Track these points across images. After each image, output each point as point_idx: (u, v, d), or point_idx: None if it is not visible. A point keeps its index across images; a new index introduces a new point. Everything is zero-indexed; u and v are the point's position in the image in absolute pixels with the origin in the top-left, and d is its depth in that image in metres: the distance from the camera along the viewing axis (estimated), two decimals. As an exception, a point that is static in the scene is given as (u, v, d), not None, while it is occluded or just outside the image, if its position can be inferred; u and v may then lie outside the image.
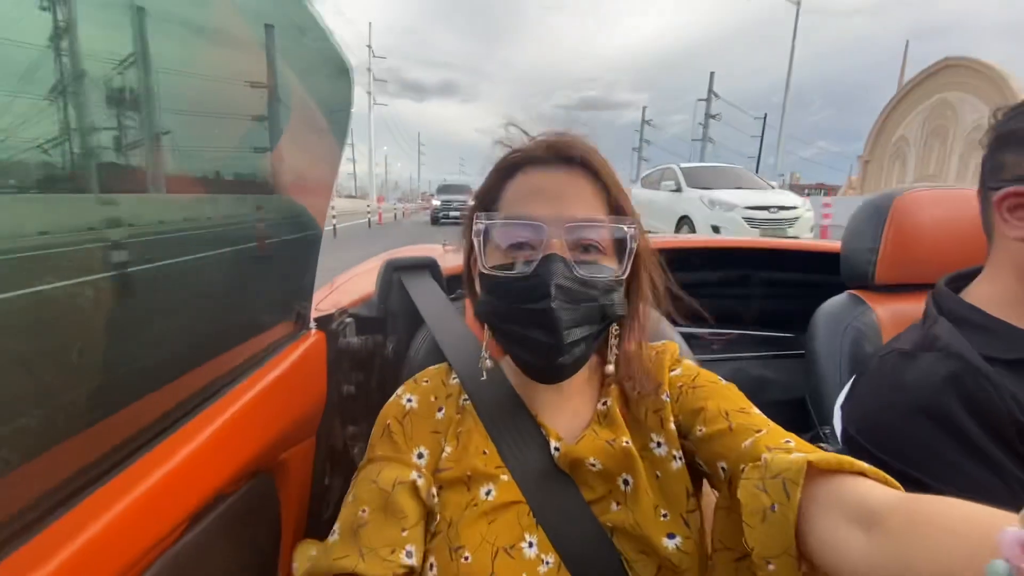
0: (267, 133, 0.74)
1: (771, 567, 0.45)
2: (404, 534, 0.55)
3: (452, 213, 18.31)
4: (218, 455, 0.60)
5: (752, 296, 1.51)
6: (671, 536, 0.56)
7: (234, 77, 0.68)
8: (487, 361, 0.65)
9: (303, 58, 0.74)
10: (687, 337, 0.86)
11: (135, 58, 0.53)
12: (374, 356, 1.01)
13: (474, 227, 0.61)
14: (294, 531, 0.82)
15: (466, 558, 0.54)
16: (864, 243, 0.99)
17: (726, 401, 0.59)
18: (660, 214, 8.01)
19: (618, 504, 0.58)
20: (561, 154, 0.61)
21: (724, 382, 0.63)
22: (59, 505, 0.45)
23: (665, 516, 0.57)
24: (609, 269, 0.59)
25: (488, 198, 0.65)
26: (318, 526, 0.91)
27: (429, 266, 1.03)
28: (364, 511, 0.56)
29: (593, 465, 0.59)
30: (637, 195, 8.37)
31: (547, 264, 0.56)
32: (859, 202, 1.04)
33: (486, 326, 0.64)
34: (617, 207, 0.61)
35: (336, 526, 0.57)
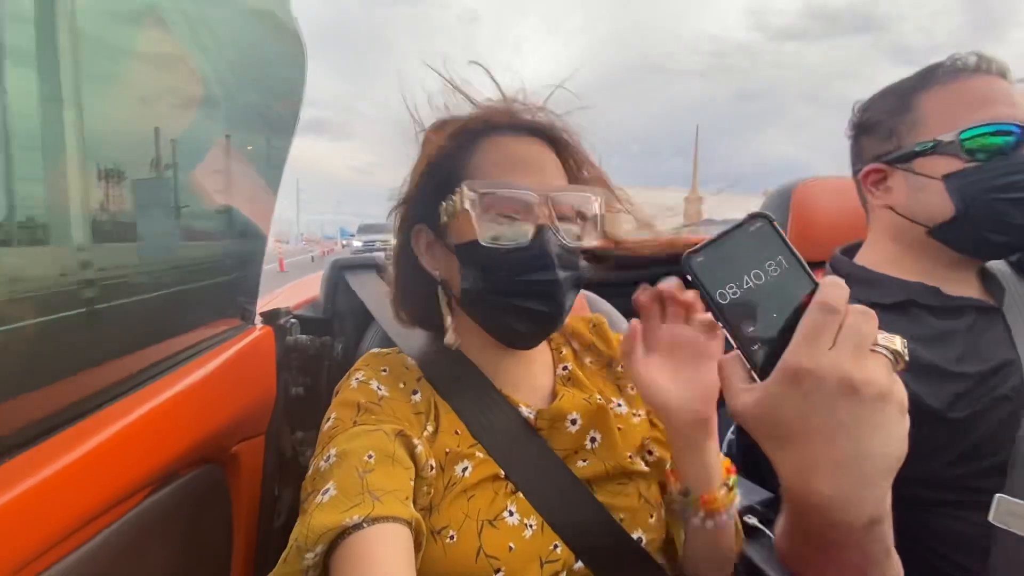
0: (214, 125, 0.75)
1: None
2: (412, 483, 0.50)
3: (377, 254, 17.51)
4: (162, 430, 0.58)
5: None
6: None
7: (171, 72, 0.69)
8: (451, 336, 0.62)
9: (252, 32, 0.73)
10: None
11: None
12: (322, 357, 1.00)
13: (465, 199, 0.55)
14: (246, 532, 0.78)
15: (451, 537, 0.52)
16: None
17: None
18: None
19: (585, 461, 0.60)
20: (525, 123, 0.60)
21: None
22: None
23: (631, 457, 0.61)
24: (578, 237, 0.60)
25: (450, 168, 0.59)
26: (268, 534, 0.87)
27: (376, 266, 1.04)
28: (371, 456, 0.49)
29: (574, 421, 0.60)
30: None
31: (544, 234, 0.55)
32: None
33: (451, 302, 0.62)
34: (577, 176, 0.63)
35: (329, 484, 0.47)
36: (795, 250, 0.37)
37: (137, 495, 0.56)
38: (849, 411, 0.33)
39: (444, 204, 0.58)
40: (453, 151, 0.60)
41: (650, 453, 0.63)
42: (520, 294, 0.56)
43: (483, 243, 0.56)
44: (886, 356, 0.34)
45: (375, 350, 0.68)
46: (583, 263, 0.60)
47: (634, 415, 0.65)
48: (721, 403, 0.49)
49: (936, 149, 0.71)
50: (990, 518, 0.63)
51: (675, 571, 0.61)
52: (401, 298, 0.67)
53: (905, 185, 0.75)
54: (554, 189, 0.57)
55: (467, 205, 0.56)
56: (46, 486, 0.44)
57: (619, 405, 0.64)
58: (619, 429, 0.62)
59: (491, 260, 0.56)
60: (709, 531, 0.56)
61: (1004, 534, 0.63)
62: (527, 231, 0.56)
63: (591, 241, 0.60)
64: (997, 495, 0.63)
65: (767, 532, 0.70)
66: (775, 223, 0.38)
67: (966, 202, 0.69)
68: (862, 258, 0.83)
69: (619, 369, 0.67)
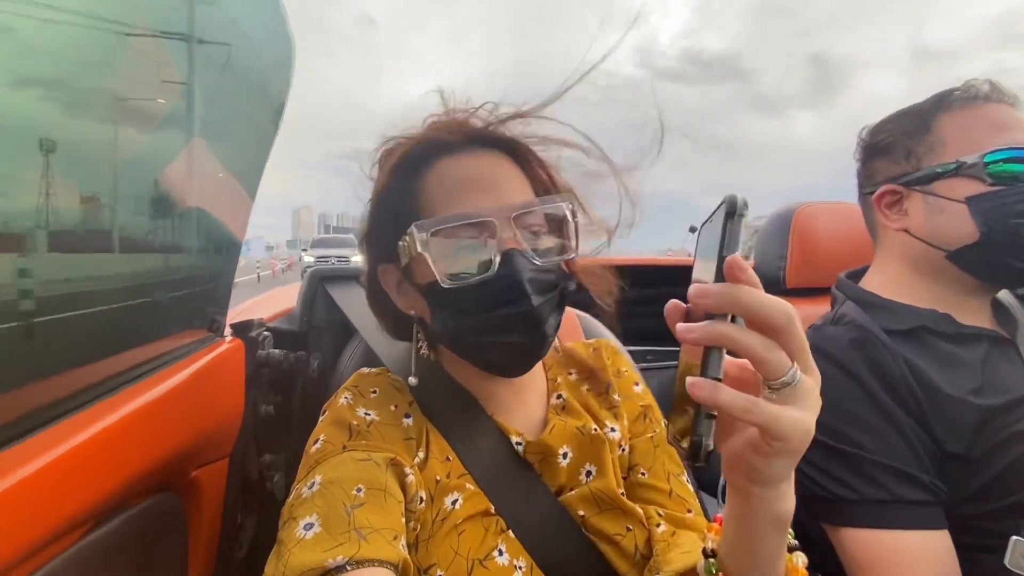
0: (184, 128, 0.70)
1: None
2: (402, 520, 0.46)
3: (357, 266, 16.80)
4: (112, 455, 0.52)
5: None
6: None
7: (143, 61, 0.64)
8: (412, 379, 0.57)
9: (237, 28, 0.68)
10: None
11: None
12: (296, 374, 0.93)
13: (416, 240, 0.51)
14: (202, 567, 0.71)
15: None
16: (774, 251, 1.09)
17: (671, 461, 0.60)
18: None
19: (573, 490, 0.56)
20: (478, 137, 0.55)
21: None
22: None
23: (623, 493, 0.56)
24: (555, 251, 0.55)
25: (399, 204, 0.55)
26: (229, 568, 0.79)
27: (359, 277, 0.98)
28: (359, 489, 0.45)
29: (565, 455, 0.56)
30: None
31: (511, 261, 0.50)
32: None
33: (423, 341, 0.60)
34: (543, 184, 0.57)
35: (312, 517, 0.43)
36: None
37: (79, 529, 0.49)
38: None
39: (401, 244, 0.53)
40: (401, 184, 0.55)
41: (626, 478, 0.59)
42: (494, 330, 0.51)
43: (444, 284, 0.51)
44: None
45: (364, 370, 0.63)
46: (565, 279, 0.55)
47: (621, 448, 0.60)
48: None
49: (959, 171, 0.69)
50: (1005, 562, 0.60)
51: None
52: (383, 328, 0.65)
53: (923, 207, 0.73)
54: (516, 208, 0.51)
55: (419, 248, 0.51)
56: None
57: (612, 430, 0.60)
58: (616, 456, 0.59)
59: (458, 299, 0.52)
60: None
61: None
62: (492, 260, 0.50)
63: (570, 253, 0.55)
64: (1013, 538, 0.60)
65: None
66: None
67: (990, 226, 0.67)
68: (869, 283, 0.81)
69: (615, 397, 0.63)
